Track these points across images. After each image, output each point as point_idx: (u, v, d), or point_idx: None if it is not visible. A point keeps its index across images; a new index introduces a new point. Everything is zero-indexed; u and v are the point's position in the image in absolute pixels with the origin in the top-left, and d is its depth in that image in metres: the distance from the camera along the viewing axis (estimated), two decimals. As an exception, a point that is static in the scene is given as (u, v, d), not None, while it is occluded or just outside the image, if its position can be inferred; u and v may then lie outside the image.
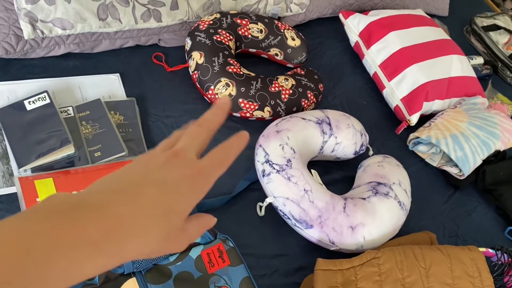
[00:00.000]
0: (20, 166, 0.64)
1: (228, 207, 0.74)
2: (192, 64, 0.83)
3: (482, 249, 0.82)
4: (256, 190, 0.77)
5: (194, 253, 0.60)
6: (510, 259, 0.80)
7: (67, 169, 0.65)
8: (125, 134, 0.73)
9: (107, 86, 0.79)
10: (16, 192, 0.62)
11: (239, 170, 0.78)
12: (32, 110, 0.69)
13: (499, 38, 1.25)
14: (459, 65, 1.00)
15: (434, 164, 0.92)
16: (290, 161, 0.73)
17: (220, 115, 0.34)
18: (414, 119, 0.94)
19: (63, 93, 0.75)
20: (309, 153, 0.79)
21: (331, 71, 1.02)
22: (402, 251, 0.68)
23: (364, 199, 0.73)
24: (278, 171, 0.72)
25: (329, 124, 0.80)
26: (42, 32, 0.73)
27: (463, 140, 0.90)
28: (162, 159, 0.31)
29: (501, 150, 0.94)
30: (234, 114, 0.83)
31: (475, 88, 1.02)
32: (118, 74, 0.81)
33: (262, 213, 0.74)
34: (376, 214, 0.72)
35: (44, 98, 0.70)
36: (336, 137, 0.80)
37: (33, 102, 0.69)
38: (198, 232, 0.32)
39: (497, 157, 0.93)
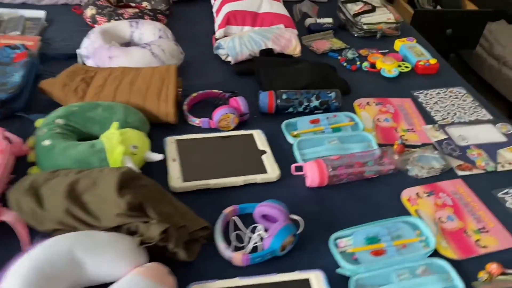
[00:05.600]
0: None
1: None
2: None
3: (215, 91, 1.18)
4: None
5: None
6: (229, 94, 1.14)
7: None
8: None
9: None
10: None
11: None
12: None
13: (354, 7, 1.59)
14: (268, 6, 1.42)
15: (230, 61, 1.32)
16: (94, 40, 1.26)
17: None
18: (218, 34, 1.37)
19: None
20: (121, 39, 1.30)
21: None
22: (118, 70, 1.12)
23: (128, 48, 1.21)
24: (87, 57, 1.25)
25: (137, 22, 1.31)
26: (9, -12, 1.47)
27: (237, 38, 1.29)
28: None
29: (274, 49, 1.29)
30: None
31: (286, 23, 1.40)
32: (45, 11, 1.49)
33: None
34: (128, 52, 1.18)
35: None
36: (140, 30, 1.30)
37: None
38: None
39: (267, 53, 1.28)
